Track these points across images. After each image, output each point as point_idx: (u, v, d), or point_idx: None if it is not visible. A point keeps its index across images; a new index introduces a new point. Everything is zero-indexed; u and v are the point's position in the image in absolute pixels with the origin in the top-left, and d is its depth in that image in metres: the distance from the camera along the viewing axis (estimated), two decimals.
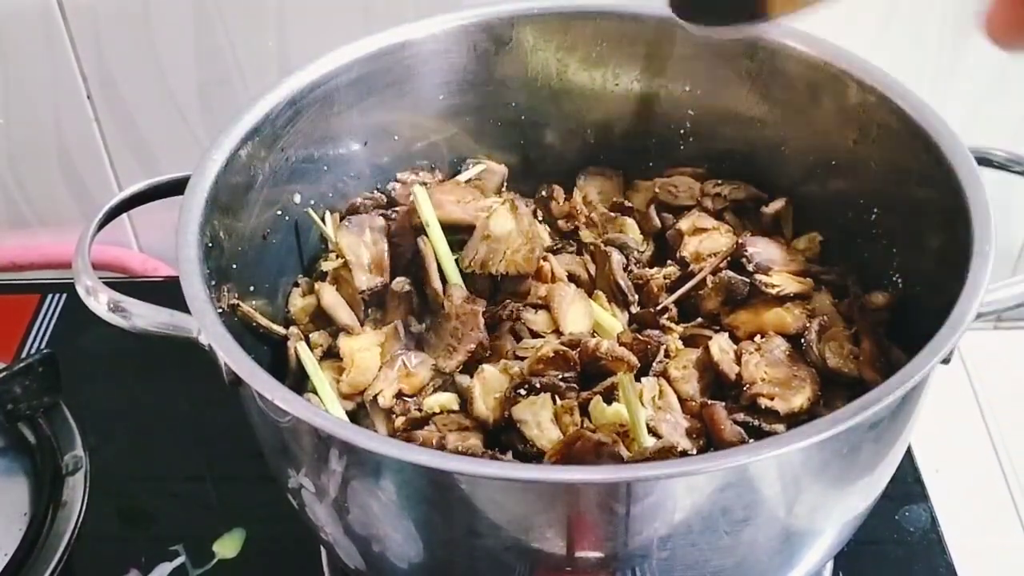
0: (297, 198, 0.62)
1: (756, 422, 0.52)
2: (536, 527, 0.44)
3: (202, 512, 0.70)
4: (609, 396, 0.53)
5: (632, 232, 0.65)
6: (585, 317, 0.58)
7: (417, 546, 0.47)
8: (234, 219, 0.56)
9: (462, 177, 0.67)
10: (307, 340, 0.59)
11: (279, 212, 0.61)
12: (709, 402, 0.53)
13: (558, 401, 0.53)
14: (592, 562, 0.45)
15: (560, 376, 0.53)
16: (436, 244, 0.59)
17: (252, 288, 0.58)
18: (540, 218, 0.67)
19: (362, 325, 0.59)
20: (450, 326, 0.55)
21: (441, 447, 0.51)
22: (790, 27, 0.61)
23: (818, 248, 0.63)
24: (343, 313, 0.59)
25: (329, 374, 0.57)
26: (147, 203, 0.57)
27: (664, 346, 0.56)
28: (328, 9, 0.78)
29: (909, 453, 0.71)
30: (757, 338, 0.56)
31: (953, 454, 0.75)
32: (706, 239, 0.63)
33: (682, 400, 0.54)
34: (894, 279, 0.58)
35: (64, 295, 0.85)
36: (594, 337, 0.55)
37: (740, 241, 0.60)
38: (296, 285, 0.63)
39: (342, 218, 0.63)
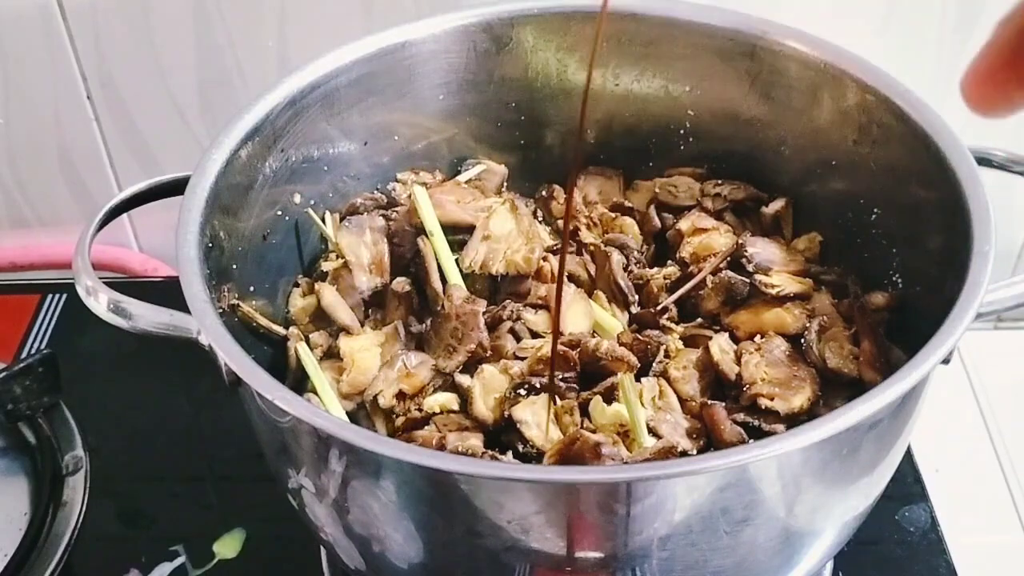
0: (297, 198, 0.62)
1: (756, 422, 0.52)
2: (536, 527, 0.44)
3: (202, 512, 0.70)
4: (609, 396, 0.53)
5: (632, 232, 0.65)
6: (585, 317, 0.58)
7: (417, 546, 0.47)
8: (234, 219, 0.56)
9: (462, 177, 0.67)
10: (307, 340, 0.59)
11: (279, 212, 0.61)
12: (709, 402, 0.53)
13: (558, 401, 0.53)
14: (592, 562, 0.45)
15: (560, 376, 0.53)
16: (436, 244, 0.59)
17: (252, 288, 0.58)
18: (540, 218, 0.67)
19: (362, 325, 0.59)
20: (450, 326, 0.55)
21: (441, 447, 0.51)
22: (791, 27, 0.61)
23: (818, 248, 0.63)
24: (343, 313, 0.59)
25: (329, 374, 0.57)
26: (147, 203, 0.57)
27: (664, 346, 0.56)
28: (328, 9, 0.78)
29: (909, 453, 0.71)
30: (757, 338, 0.56)
31: (953, 454, 0.75)
32: (706, 239, 0.63)
33: (682, 400, 0.54)
34: (894, 279, 0.58)
35: (64, 295, 0.85)
36: (594, 337, 0.55)
37: (740, 241, 0.60)
38: (296, 285, 0.63)
39: (342, 218, 0.63)
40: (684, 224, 0.64)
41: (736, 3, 0.63)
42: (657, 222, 0.65)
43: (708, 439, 0.53)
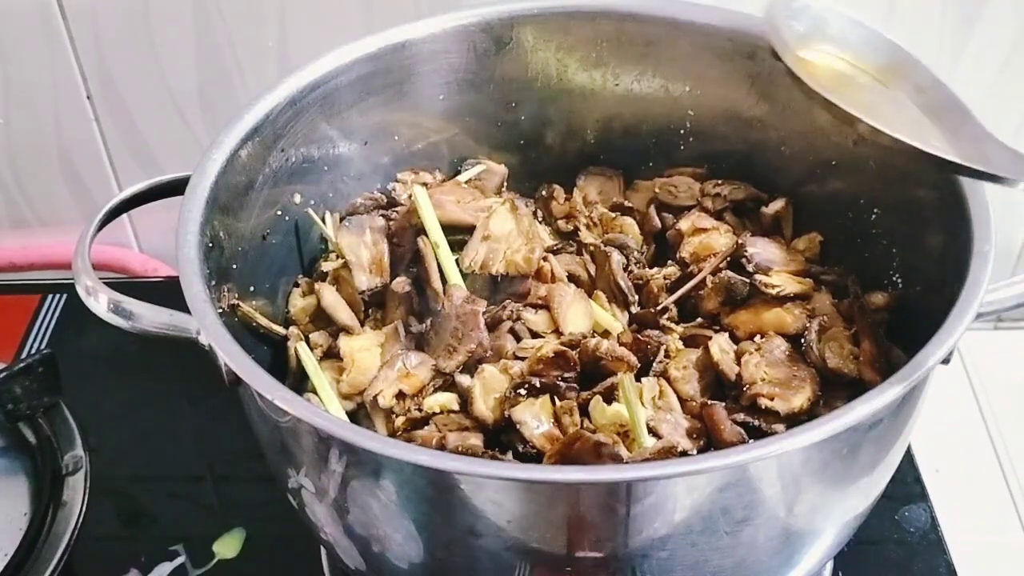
0: (297, 198, 0.62)
1: (756, 422, 0.52)
2: (536, 527, 0.44)
3: (202, 512, 0.70)
4: (609, 396, 0.53)
5: (632, 232, 0.65)
6: (585, 317, 0.58)
7: (417, 546, 0.47)
8: (234, 219, 0.56)
9: (462, 177, 0.67)
10: (307, 340, 0.59)
11: (279, 212, 0.61)
12: (709, 402, 0.53)
13: (557, 402, 0.53)
14: (592, 562, 0.45)
15: (560, 376, 0.53)
16: (436, 244, 0.59)
17: (252, 288, 0.58)
18: (540, 218, 0.67)
19: (362, 325, 0.59)
20: (450, 326, 0.55)
21: (441, 447, 0.51)
22: None
23: (818, 248, 0.63)
24: (343, 313, 0.59)
25: (329, 374, 0.57)
26: (147, 203, 0.57)
27: (664, 346, 0.56)
28: (328, 9, 0.78)
29: (909, 453, 0.71)
30: (757, 338, 0.56)
31: (953, 454, 0.75)
32: (706, 239, 0.63)
33: (682, 400, 0.54)
34: (894, 279, 0.58)
35: (64, 295, 0.85)
36: (594, 337, 0.55)
37: (740, 241, 0.60)
38: (296, 285, 0.63)
39: (342, 218, 0.63)
40: (684, 224, 0.64)
41: (736, 3, 0.63)
42: (657, 222, 0.65)
43: (708, 439, 0.53)
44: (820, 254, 0.63)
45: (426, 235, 0.59)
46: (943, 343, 0.44)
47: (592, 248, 0.63)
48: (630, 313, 0.60)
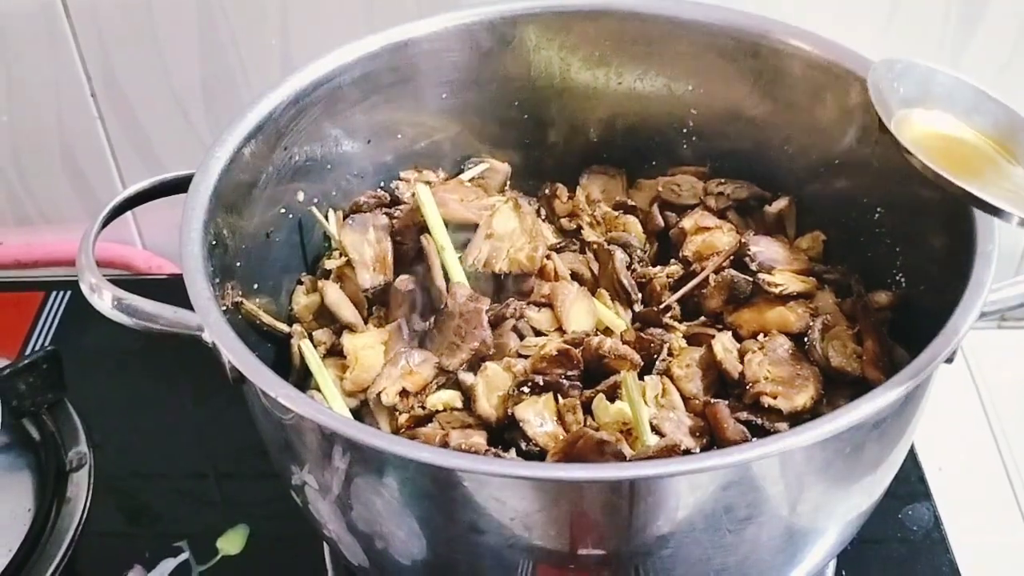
0: (300, 196, 0.62)
1: (759, 420, 0.52)
2: (539, 525, 0.44)
3: (206, 508, 0.70)
4: (612, 394, 0.53)
5: (635, 231, 0.65)
6: (588, 316, 0.58)
7: (420, 543, 0.47)
8: (238, 217, 0.56)
9: (465, 176, 0.67)
10: (310, 338, 0.59)
11: (283, 210, 0.61)
12: (712, 401, 0.53)
13: (560, 400, 0.53)
14: (595, 560, 0.45)
15: (563, 374, 0.53)
16: (439, 242, 0.59)
17: (256, 286, 0.58)
18: (543, 217, 0.67)
19: (366, 323, 0.59)
20: (453, 324, 0.55)
21: (444, 445, 0.51)
22: (794, 26, 0.61)
23: (821, 247, 0.63)
24: (347, 310, 0.59)
25: (332, 372, 0.57)
26: (151, 201, 0.57)
27: (667, 344, 0.56)
28: (331, 8, 0.78)
29: (912, 452, 0.71)
30: (760, 337, 0.56)
31: (956, 453, 0.75)
32: (709, 238, 0.63)
33: (685, 398, 0.54)
34: (897, 278, 0.58)
35: (68, 292, 0.85)
36: (597, 335, 0.55)
37: (743, 240, 0.60)
38: (300, 283, 0.63)
39: (345, 216, 0.63)
40: (687, 223, 0.64)
41: (739, 2, 0.63)
42: (660, 221, 0.65)
43: (711, 437, 0.53)
44: (823, 253, 0.63)
45: (429, 233, 0.59)
46: (947, 342, 0.44)
47: (595, 246, 0.63)
48: (633, 311, 0.60)
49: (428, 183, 0.64)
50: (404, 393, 0.54)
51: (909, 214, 0.57)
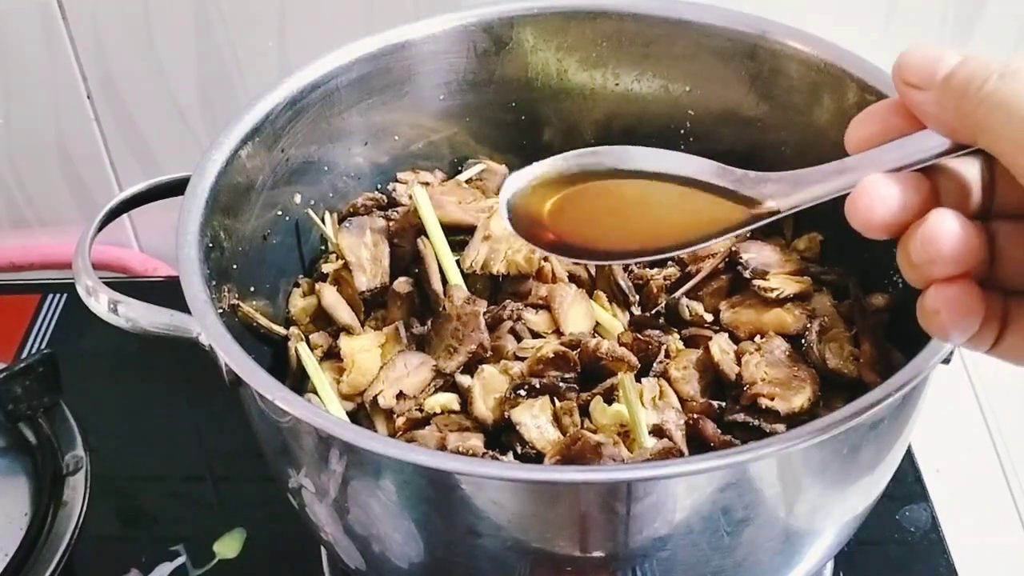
0: (297, 198, 0.62)
1: (756, 422, 0.52)
2: (536, 527, 0.44)
3: (203, 512, 0.70)
4: (610, 397, 0.53)
5: None
6: (586, 318, 0.58)
7: (417, 546, 0.47)
8: (234, 219, 0.56)
9: (462, 177, 0.67)
10: (307, 341, 0.59)
11: (279, 212, 0.61)
12: (700, 418, 0.52)
13: (557, 402, 0.53)
14: (592, 562, 0.45)
15: (560, 377, 0.53)
16: (437, 245, 0.59)
17: (252, 288, 0.58)
18: None
19: (363, 326, 0.59)
20: (451, 327, 0.55)
21: (441, 447, 0.51)
22: (791, 27, 0.61)
23: (818, 248, 0.63)
24: (344, 313, 0.59)
25: (329, 375, 0.57)
26: (147, 203, 0.57)
27: (664, 346, 0.56)
28: (328, 9, 0.78)
29: (909, 453, 0.71)
30: (757, 338, 0.56)
31: (954, 454, 0.75)
32: None
33: (683, 400, 0.54)
34: (894, 279, 0.58)
35: (64, 295, 0.85)
36: (595, 337, 0.55)
37: (733, 248, 0.60)
38: (296, 286, 0.63)
39: (342, 219, 0.63)
40: None
41: (736, 3, 0.63)
42: None
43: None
44: (821, 254, 0.63)
45: (427, 235, 0.59)
46: (944, 343, 0.44)
47: None
48: (631, 313, 0.60)
49: (425, 185, 0.64)
50: (401, 396, 0.54)
51: None
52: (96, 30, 0.79)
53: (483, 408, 0.53)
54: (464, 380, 0.54)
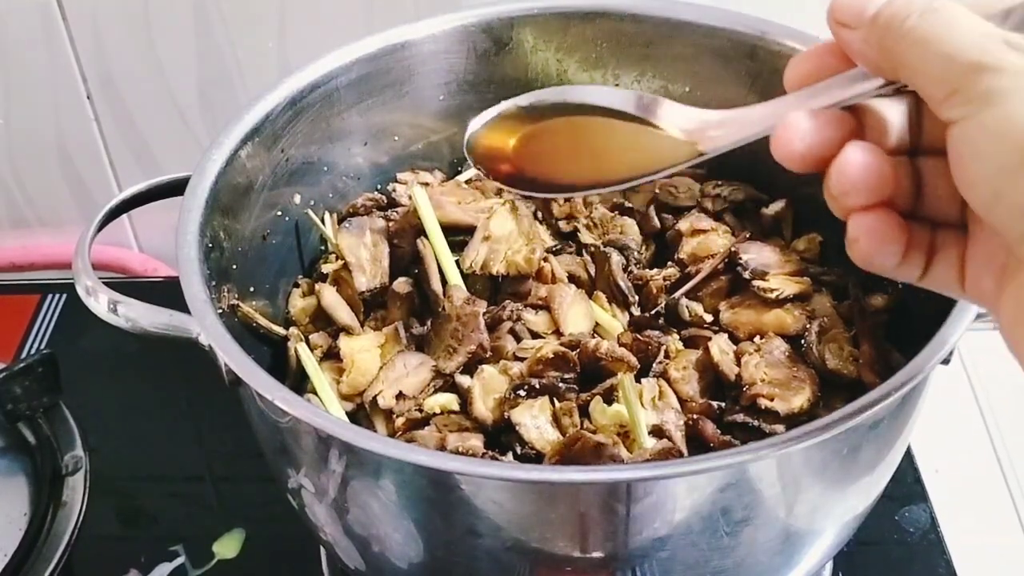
0: (297, 199, 0.62)
1: (756, 422, 0.52)
2: (536, 527, 0.44)
3: (202, 512, 0.70)
4: (609, 397, 0.53)
5: (632, 233, 0.65)
6: (586, 318, 0.58)
7: (417, 546, 0.47)
8: (234, 220, 0.56)
9: (462, 178, 0.67)
10: (307, 341, 0.59)
11: (279, 213, 0.61)
12: (700, 418, 0.52)
13: (557, 403, 0.53)
14: (592, 562, 0.45)
15: (560, 377, 0.53)
16: (436, 245, 0.59)
17: (252, 289, 0.58)
18: (540, 219, 0.67)
19: (362, 326, 0.59)
20: (450, 327, 0.55)
21: (441, 447, 0.51)
22: (791, 27, 0.61)
23: (818, 249, 0.63)
24: (343, 313, 0.59)
25: (329, 375, 0.57)
26: (147, 203, 0.57)
27: (664, 347, 0.56)
28: (328, 10, 0.78)
29: (909, 453, 0.71)
30: (757, 339, 0.56)
31: (953, 454, 0.75)
32: (704, 240, 0.63)
33: (682, 400, 0.54)
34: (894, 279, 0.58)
35: (64, 295, 0.85)
36: (594, 338, 0.55)
37: (732, 248, 0.60)
38: (296, 286, 0.63)
39: (342, 219, 0.63)
40: (683, 225, 0.64)
41: (736, 3, 0.63)
42: (656, 223, 0.65)
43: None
44: (820, 255, 0.63)
45: (426, 236, 0.59)
46: (943, 343, 0.44)
47: (592, 249, 0.63)
48: (630, 314, 0.60)
49: (425, 185, 0.64)
50: (401, 396, 0.54)
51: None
52: (96, 30, 0.79)
53: (483, 408, 0.53)
54: (464, 380, 0.54)
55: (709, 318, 0.59)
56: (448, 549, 0.47)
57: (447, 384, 0.55)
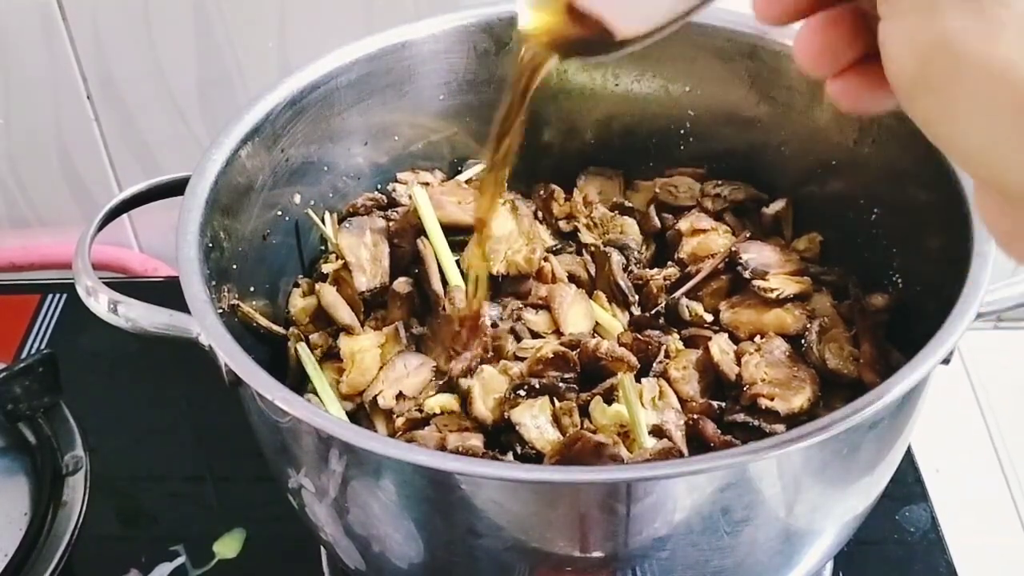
0: (297, 198, 0.62)
1: (756, 422, 0.52)
2: (536, 527, 0.44)
3: (202, 512, 0.70)
4: (609, 397, 0.53)
5: (632, 232, 0.65)
6: (586, 318, 0.58)
7: (417, 546, 0.47)
8: (234, 219, 0.56)
9: (462, 177, 0.67)
10: (307, 341, 0.59)
11: (279, 212, 0.61)
12: (700, 418, 0.52)
13: (557, 403, 0.53)
14: (592, 562, 0.45)
15: (560, 377, 0.53)
16: (436, 245, 0.59)
17: (252, 288, 0.58)
18: (540, 218, 0.67)
19: (363, 326, 0.59)
20: (451, 328, 0.55)
21: (441, 447, 0.51)
22: (791, 28, 0.61)
23: (818, 248, 0.63)
24: (343, 313, 0.59)
25: (329, 375, 0.57)
26: (147, 203, 0.57)
27: (664, 346, 0.56)
28: (328, 9, 0.78)
29: (909, 453, 0.71)
30: (757, 339, 0.56)
31: (953, 454, 0.75)
32: (704, 240, 0.63)
33: (682, 400, 0.54)
34: (894, 279, 0.58)
35: (64, 295, 0.85)
36: (594, 338, 0.55)
37: (733, 248, 0.60)
38: (296, 286, 0.63)
39: (342, 219, 0.63)
40: (683, 224, 0.64)
41: (736, 3, 0.63)
42: (656, 222, 0.65)
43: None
44: (820, 254, 0.63)
45: (426, 236, 0.59)
46: (943, 343, 0.44)
47: (592, 248, 0.63)
48: (630, 313, 0.60)
49: (425, 185, 0.64)
50: (401, 396, 0.54)
51: (906, 215, 0.57)
52: (96, 30, 0.79)
53: (483, 408, 0.53)
54: (464, 380, 0.54)
55: (709, 318, 0.59)
56: (448, 549, 0.47)
57: (447, 384, 0.55)
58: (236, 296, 0.55)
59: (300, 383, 0.57)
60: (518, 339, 0.57)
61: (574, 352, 0.54)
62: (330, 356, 0.59)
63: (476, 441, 0.51)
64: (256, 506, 0.69)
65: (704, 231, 0.63)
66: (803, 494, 0.46)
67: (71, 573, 0.65)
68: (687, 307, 0.59)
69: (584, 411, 0.53)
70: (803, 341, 0.56)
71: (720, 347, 0.55)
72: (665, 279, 0.61)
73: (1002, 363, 0.83)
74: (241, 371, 0.45)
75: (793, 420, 0.52)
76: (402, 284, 0.59)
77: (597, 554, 0.45)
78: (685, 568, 0.46)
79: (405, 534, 0.46)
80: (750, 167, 0.66)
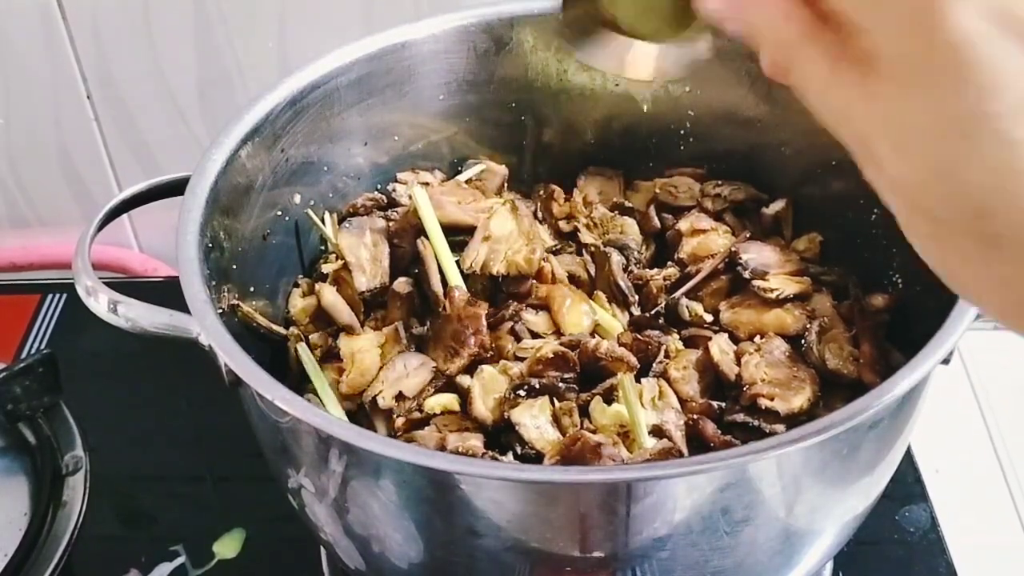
0: (297, 198, 0.62)
1: (756, 422, 0.52)
2: (536, 528, 0.44)
3: (202, 512, 0.70)
4: (609, 397, 0.53)
5: (632, 232, 0.65)
6: (586, 318, 0.58)
7: (417, 546, 0.47)
8: (234, 220, 0.56)
9: (462, 177, 0.67)
10: (307, 341, 0.59)
11: (279, 213, 0.61)
12: (700, 418, 0.52)
13: (556, 403, 0.53)
14: (592, 562, 0.45)
15: (560, 377, 0.53)
16: (436, 245, 0.59)
17: (252, 289, 0.58)
18: (540, 219, 0.67)
19: (363, 326, 0.59)
20: (451, 328, 0.55)
21: (441, 448, 0.51)
22: None
23: (818, 248, 0.63)
24: (343, 313, 0.59)
25: (329, 375, 0.57)
26: (147, 203, 0.57)
27: (664, 346, 0.56)
28: (328, 10, 0.78)
29: (909, 453, 0.71)
30: (757, 339, 0.56)
31: (953, 454, 0.75)
32: (704, 240, 0.63)
33: (682, 400, 0.54)
34: (894, 279, 0.58)
35: (64, 295, 0.85)
36: (594, 338, 0.55)
37: (733, 249, 0.60)
38: (296, 286, 0.63)
39: (342, 219, 0.63)
40: (683, 225, 0.64)
41: None
42: (656, 222, 0.65)
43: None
44: (820, 254, 0.63)
45: (426, 236, 0.59)
46: (943, 343, 0.44)
47: (592, 249, 0.63)
48: (630, 314, 0.60)
49: (425, 185, 0.64)
50: (401, 396, 0.54)
51: None
52: (96, 30, 0.79)
53: (482, 408, 0.53)
54: (464, 380, 0.54)
55: (709, 318, 0.59)
56: (448, 549, 0.47)
57: (448, 384, 0.55)
58: (236, 296, 0.55)
59: (300, 383, 0.57)
60: (518, 339, 0.57)
61: (574, 352, 0.54)
62: (330, 356, 0.59)
63: (476, 441, 0.51)
64: (256, 506, 0.69)
65: (704, 231, 0.63)
66: (803, 494, 0.46)
67: (71, 573, 0.65)
68: (687, 307, 0.59)
69: (584, 411, 0.53)
70: (803, 341, 0.56)
71: (720, 347, 0.55)
72: (665, 279, 0.61)
73: (1002, 363, 0.83)
74: (241, 371, 0.45)
75: (793, 420, 0.52)
76: (402, 284, 0.59)
77: (597, 554, 0.45)
78: (685, 568, 0.46)
79: (405, 534, 0.46)
80: (750, 167, 0.66)
